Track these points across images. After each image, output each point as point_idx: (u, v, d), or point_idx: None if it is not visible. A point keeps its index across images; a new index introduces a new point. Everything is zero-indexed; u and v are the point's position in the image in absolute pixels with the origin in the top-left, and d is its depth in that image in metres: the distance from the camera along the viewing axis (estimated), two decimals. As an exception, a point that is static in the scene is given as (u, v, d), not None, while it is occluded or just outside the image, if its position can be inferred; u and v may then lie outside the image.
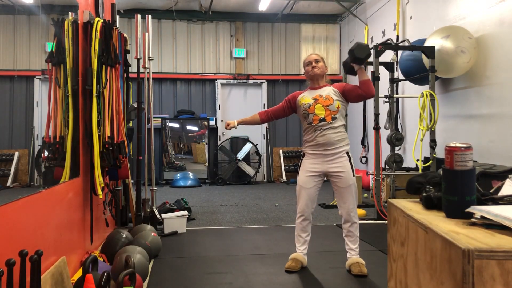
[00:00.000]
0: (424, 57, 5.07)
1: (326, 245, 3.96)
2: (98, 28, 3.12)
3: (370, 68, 5.59)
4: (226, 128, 3.39)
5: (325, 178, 3.25)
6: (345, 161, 3.14)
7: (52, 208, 2.54)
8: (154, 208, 4.55)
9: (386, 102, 5.92)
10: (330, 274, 3.18)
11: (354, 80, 3.37)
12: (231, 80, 9.35)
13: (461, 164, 1.36)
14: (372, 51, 5.24)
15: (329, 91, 3.17)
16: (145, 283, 2.93)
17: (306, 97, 3.21)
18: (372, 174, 5.29)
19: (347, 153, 3.17)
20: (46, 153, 2.77)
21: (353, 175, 3.17)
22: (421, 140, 4.87)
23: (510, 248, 1.08)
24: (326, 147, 3.11)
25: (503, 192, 1.54)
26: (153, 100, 5.94)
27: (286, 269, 3.22)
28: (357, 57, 3.04)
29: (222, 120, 9.29)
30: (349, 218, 3.15)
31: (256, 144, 9.03)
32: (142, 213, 4.36)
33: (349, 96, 3.16)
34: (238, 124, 3.38)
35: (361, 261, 3.16)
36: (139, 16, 4.61)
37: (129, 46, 4.24)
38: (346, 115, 3.27)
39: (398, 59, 5.80)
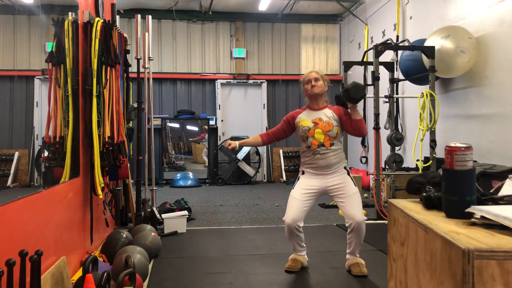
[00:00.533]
0: (424, 57, 5.07)
1: (326, 245, 3.96)
2: (98, 28, 3.11)
3: (370, 68, 5.59)
4: (227, 148, 3.39)
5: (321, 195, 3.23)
6: (343, 174, 3.13)
7: (52, 208, 2.54)
8: (154, 208, 4.55)
9: (386, 102, 5.92)
10: (330, 274, 3.18)
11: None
12: (231, 80, 9.35)
13: (461, 164, 1.36)
14: (372, 51, 5.24)
15: (329, 116, 3.14)
16: (145, 283, 2.93)
17: (305, 120, 3.18)
18: (372, 174, 5.29)
19: (345, 167, 3.17)
20: (46, 153, 2.77)
21: (355, 186, 3.13)
22: (421, 140, 4.87)
23: (510, 248, 1.08)
24: (325, 169, 3.11)
25: (503, 192, 1.54)
26: (153, 100, 5.93)
27: (286, 269, 3.22)
28: (352, 97, 3.04)
29: (222, 120, 9.29)
30: (358, 229, 3.05)
31: (256, 144, 9.02)
32: (142, 213, 4.36)
33: (343, 126, 3.16)
34: (239, 146, 3.38)
35: (360, 261, 3.16)
36: (139, 16, 4.61)
37: (129, 46, 4.24)
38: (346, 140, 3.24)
39: (398, 59, 5.80)
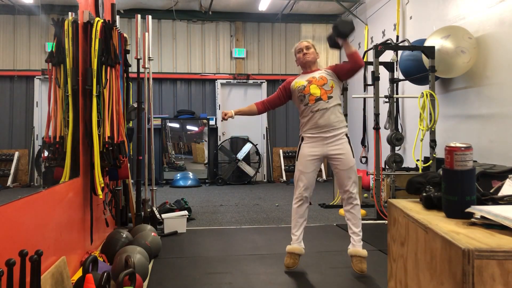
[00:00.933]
0: (424, 57, 5.07)
1: (326, 245, 3.96)
2: (98, 28, 3.11)
3: (370, 68, 5.59)
4: (223, 118, 3.41)
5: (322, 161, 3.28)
6: (345, 143, 3.15)
7: (52, 208, 2.54)
8: (154, 208, 4.55)
9: (386, 102, 5.92)
10: (330, 274, 3.18)
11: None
12: (231, 80, 9.35)
13: (461, 164, 1.36)
14: (372, 51, 5.24)
15: (321, 72, 3.22)
16: (145, 283, 2.93)
17: (299, 81, 3.25)
18: (372, 174, 5.29)
19: (346, 135, 3.19)
20: (46, 153, 2.77)
21: (353, 157, 3.18)
22: (421, 140, 4.87)
23: (510, 248, 1.08)
24: (325, 128, 3.12)
25: (503, 192, 1.54)
26: (153, 100, 5.93)
27: (286, 269, 3.22)
28: (341, 31, 3.05)
29: (222, 120, 9.28)
30: (350, 200, 3.16)
31: (256, 144, 9.03)
32: (142, 213, 4.36)
33: (340, 73, 3.20)
34: (235, 114, 3.46)
35: (363, 253, 3.14)
36: (139, 16, 4.61)
37: (129, 46, 4.24)
38: (346, 102, 3.27)
39: (398, 59, 5.80)
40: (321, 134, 3.14)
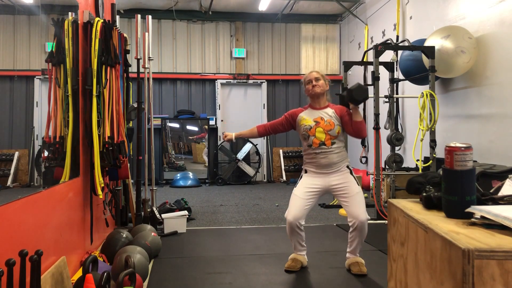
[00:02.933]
0: (424, 57, 5.07)
1: (326, 245, 3.96)
2: (98, 28, 3.11)
3: (370, 68, 5.59)
4: (223, 139, 3.41)
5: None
6: (346, 173, 3.14)
7: (52, 208, 2.54)
8: (154, 208, 4.55)
9: (386, 102, 5.92)
10: (330, 274, 3.18)
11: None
12: (231, 80, 9.35)
13: (461, 164, 1.36)
14: (372, 51, 5.24)
15: (330, 115, 3.14)
16: (145, 283, 2.93)
17: (307, 118, 3.19)
18: (372, 174, 5.29)
19: (348, 166, 3.17)
20: (46, 153, 2.78)
21: (358, 185, 3.14)
22: (421, 140, 4.87)
23: (510, 248, 1.08)
24: (327, 168, 3.11)
25: (503, 192, 1.54)
26: (153, 100, 5.95)
27: (286, 269, 3.22)
28: (354, 99, 3.04)
29: (222, 120, 9.29)
30: (361, 229, 3.06)
31: (256, 144, 9.03)
32: (142, 213, 4.36)
33: (344, 127, 3.16)
34: (235, 138, 3.44)
35: (360, 260, 3.16)
36: (139, 16, 4.61)
37: (129, 46, 4.24)
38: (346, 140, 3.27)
39: (398, 59, 5.80)
40: (323, 171, 3.13)
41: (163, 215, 4.47)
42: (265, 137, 9.42)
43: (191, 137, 9.22)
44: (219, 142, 9.13)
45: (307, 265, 3.29)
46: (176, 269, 3.31)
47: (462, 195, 1.37)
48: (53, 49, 2.74)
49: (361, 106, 7.03)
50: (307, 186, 3.14)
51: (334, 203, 6.04)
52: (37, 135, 2.79)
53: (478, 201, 1.41)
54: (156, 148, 8.64)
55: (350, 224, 3.09)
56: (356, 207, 3.05)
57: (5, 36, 2.38)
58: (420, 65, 5.19)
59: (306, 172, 3.23)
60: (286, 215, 3.14)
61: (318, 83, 3.17)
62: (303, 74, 3.36)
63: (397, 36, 6.72)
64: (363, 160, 7.04)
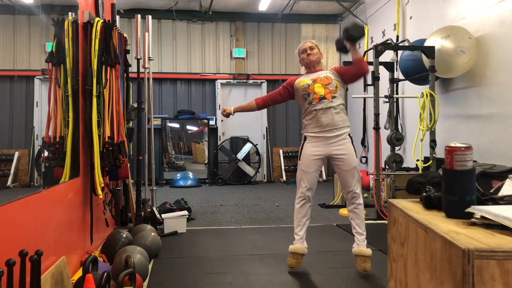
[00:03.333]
0: (424, 57, 5.07)
1: (326, 245, 3.96)
2: (98, 28, 3.11)
3: (370, 68, 5.59)
4: (222, 114, 3.42)
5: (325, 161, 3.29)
6: (348, 143, 3.16)
7: (52, 208, 2.54)
8: (154, 208, 4.55)
9: (386, 102, 5.92)
10: (330, 274, 3.18)
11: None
12: (231, 80, 9.35)
13: (461, 164, 1.36)
14: (372, 51, 5.24)
15: (326, 72, 3.23)
16: (145, 283, 2.93)
17: (304, 80, 3.26)
18: (372, 174, 5.29)
19: (349, 135, 3.19)
20: (46, 153, 2.77)
21: (356, 157, 3.19)
22: (421, 140, 4.87)
23: (510, 248, 1.08)
24: (328, 127, 3.12)
25: (503, 192, 1.54)
26: (153, 100, 5.95)
27: (289, 269, 3.22)
28: (351, 35, 3.07)
29: (222, 120, 9.28)
30: (354, 199, 3.17)
31: (256, 144, 9.03)
32: (142, 213, 4.36)
33: (345, 76, 3.21)
34: (234, 112, 3.44)
35: (367, 252, 3.14)
36: (139, 16, 4.61)
37: (129, 46, 4.24)
38: (346, 102, 3.29)
39: (398, 59, 5.80)
40: (324, 134, 3.14)
41: (163, 215, 4.47)
42: (265, 137, 9.43)
43: (189, 131, 9.20)
44: (219, 142, 9.13)
45: (307, 265, 3.29)
46: (176, 269, 3.31)
47: (462, 195, 1.37)
48: (53, 49, 2.74)
49: (360, 105, 7.04)
50: (310, 154, 3.17)
51: (334, 203, 6.04)
52: (37, 135, 2.79)
53: (478, 201, 1.41)
54: (156, 148, 8.64)
55: (344, 196, 3.22)
56: (349, 180, 3.15)
57: (5, 36, 2.38)
58: (420, 65, 5.19)
59: (305, 139, 3.24)
60: (299, 192, 3.21)
61: (312, 51, 3.26)
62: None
63: (397, 36, 6.72)
64: (363, 160, 7.04)
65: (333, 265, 3.37)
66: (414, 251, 1.44)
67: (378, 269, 3.18)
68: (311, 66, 3.29)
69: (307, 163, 3.19)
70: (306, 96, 3.18)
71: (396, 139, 5.59)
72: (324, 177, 9.04)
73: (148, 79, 4.72)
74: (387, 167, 5.66)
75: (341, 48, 3.20)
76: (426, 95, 4.85)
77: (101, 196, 3.08)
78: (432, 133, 4.93)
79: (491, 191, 1.59)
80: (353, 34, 3.06)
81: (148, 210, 4.42)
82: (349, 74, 3.20)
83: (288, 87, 3.35)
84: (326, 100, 3.11)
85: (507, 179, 1.59)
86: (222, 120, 9.29)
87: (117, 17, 4.18)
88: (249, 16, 9.28)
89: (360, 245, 3.17)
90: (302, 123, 3.32)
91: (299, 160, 3.26)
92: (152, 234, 3.57)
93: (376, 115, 5.05)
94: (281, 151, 9.41)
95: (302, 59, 3.32)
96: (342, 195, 5.94)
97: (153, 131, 5.11)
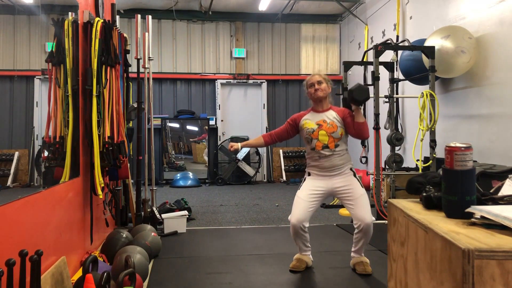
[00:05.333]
0: (424, 57, 5.07)
1: (326, 245, 3.96)
2: (98, 28, 3.11)
3: (370, 68, 5.59)
4: (229, 150, 3.40)
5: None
6: (349, 176, 3.13)
7: (52, 208, 2.54)
8: (154, 208, 4.55)
9: (386, 102, 5.91)
10: (330, 274, 3.18)
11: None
12: (231, 80, 9.35)
13: (461, 164, 1.36)
14: (372, 51, 5.24)
15: (333, 117, 3.14)
16: (145, 283, 2.93)
17: (309, 122, 3.18)
18: (372, 174, 5.29)
19: (351, 169, 3.17)
20: (46, 153, 2.77)
21: (362, 187, 3.14)
22: (421, 140, 4.87)
23: (510, 248, 1.08)
24: (330, 170, 3.11)
25: (503, 192, 1.54)
26: (153, 100, 5.95)
27: (290, 269, 3.22)
28: (355, 99, 3.05)
29: (222, 120, 9.28)
30: (367, 230, 3.06)
31: (256, 144, 9.02)
32: (142, 213, 4.36)
33: (346, 127, 3.16)
34: (242, 147, 3.41)
35: (365, 260, 3.17)
36: (139, 16, 4.61)
37: (129, 46, 4.24)
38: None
39: (398, 59, 5.80)
40: (326, 173, 3.13)
41: (163, 215, 4.47)
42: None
43: (192, 140, 9.21)
44: (219, 142, 9.13)
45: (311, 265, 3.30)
46: (176, 269, 3.31)
47: (462, 195, 1.37)
48: (53, 49, 2.74)
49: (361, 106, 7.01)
50: (311, 188, 3.14)
51: (334, 203, 6.04)
52: (37, 135, 2.79)
53: (478, 201, 1.41)
54: (156, 148, 8.64)
55: (355, 226, 3.08)
56: (361, 210, 3.04)
57: (5, 36, 2.38)
58: (420, 65, 5.19)
59: (309, 175, 3.22)
60: (290, 218, 3.13)
61: (320, 86, 3.16)
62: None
63: (397, 36, 6.72)
64: (363, 160, 7.04)
65: (333, 265, 3.37)
66: (414, 251, 1.44)
67: (378, 269, 3.18)
68: (318, 102, 3.20)
69: (305, 192, 3.14)
70: (309, 140, 3.15)
71: (396, 139, 5.59)
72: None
73: (148, 79, 4.72)
74: (387, 167, 5.65)
75: (347, 107, 3.22)
76: (426, 95, 4.85)
77: (101, 196, 3.08)
78: (432, 133, 4.92)
79: (491, 191, 1.59)
80: (358, 99, 3.04)
81: (148, 210, 4.42)
82: (349, 130, 3.14)
83: (294, 124, 3.29)
84: (328, 149, 3.09)
85: (507, 179, 1.59)
86: (222, 120, 9.30)
87: (117, 17, 4.18)
88: (249, 16, 9.28)
89: (358, 256, 3.19)
90: (306, 158, 3.28)
91: (299, 189, 3.21)
92: (152, 234, 3.57)
93: (376, 115, 5.05)
94: (281, 151, 9.40)
95: (309, 93, 3.23)
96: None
97: (153, 131, 5.11)
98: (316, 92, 3.16)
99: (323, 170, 3.13)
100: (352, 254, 3.22)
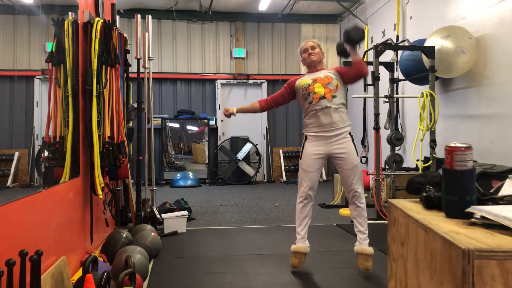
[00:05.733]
0: (424, 57, 5.07)
1: (326, 245, 3.96)
2: (98, 28, 3.11)
3: (370, 68, 5.59)
4: (224, 114, 3.41)
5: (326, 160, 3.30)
6: (348, 141, 3.16)
7: (52, 208, 2.54)
8: (154, 208, 4.55)
9: (386, 102, 5.92)
10: (330, 274, 3.18)
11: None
12: (231, 80, 9.35)
13: (461, 164, 1.36)
14: (372, 51, 5.24)
15: (327, 72, 3.23)
16: (145, 283, 2.93)
17: (304, 80, 3.26)
18: (372, 174, 5.29)
19: (350, 133, 3.19)
20: (46, 153, 2.78)
21: (357, 156, 3.20)
22: (421, 140, 4.87)
23: (510, 248, 1.08)
24: (328, 127, 3.13)
25: (503, 192, 1.54)
26: (153, 100, 5.93)
27: (291, 268, 3.22)
28: (351, 38, 3.09)
29: (222, 120, 9.28)
30: (355, 198, 3.17)
31: (256, 144, 9.03)
32: (142, 213, 4.36)
33: (344, 77, 3.22)
34: (237, 112, 3.41)
35: (369, 251, 3.14)
36: (139, 16, 4.61)
37: (129, 46, 4.24)
38: (347, 102, 3.29)
39: (398, 59, 5.80)
40: (324, 133, 3.15)
41: (163, 215, 4.47)
42: (265, 137, 9.43)
43: (190, 132, 9.20)
44: (219, 142, 9.13)
45: (307, 265, 3.29)
46: (176, 269, 3.31)
47: (462, 195, 1.37)
48: (53, 49, 2.74)
49: (360, 105, 7.04)
50: (311, 153, 3.18)
51: (334, 203, 6.04)
52: (37, 135, 2.79)
53: (478, 201, 1.41)
54: (156, 148, 8.64)
55: (346, 195, 3.23)
56: (351, 179, 3.15)
57: (5, 36, 2.38)
58: (420, 65, 5.19)
59: (306, 139, 3.25)
60: (300, 192, 3.21)
61: (314, 51, 3.26)
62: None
63: (397, 36, 6.72)
64: (363, 160, 7.04)
65: (333, 265, 3.37)
66: (414, 251, 1.44)
67: (378, 269, 3.17)
68: (312, 66, 3.29)
69: (308, 162, 3.20)
70: (306, 95, 3.18)
71: (396, 139, 5.59)
72: (324, 177, 9.04)
73: (148, 79, 4.72)
74: (387, 167, 5.65)
75: (342, 52, 3.23)
76: (426, 95, 4.85)
77: (101, 196, 3.08)
78: (432, 133, 4.92)
79: (491, 191, 1.59)
80: (353, 37, 3.08)
81: (148, 210, 4.42)
82: (348, 75, 3.21)
83: (290, 86, 3.35)
84: (326, 100, 3.11)
85: (507, 179, 1.59)
86: (222, 120, 9.29)
87: (117, 17, 4.18)
88: (249, 16, 9.28)
89: (362, 244, 3.18)
90: (303, 123, 3.32)
91: (300, 159, 3.26)
92: (152, 234, 3.57)
93: (376, 115, 5.05)
94: (281, 151, 9.41)
95: (303, 59, 3.33)
96: (342, 195, 5.94)
97: (153, 131, 5.11)
98: (310, 57, 3.25)
99: (321, 128, 3.14)
100: (357, 238, 3.21)
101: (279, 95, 3.41)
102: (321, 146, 3.16)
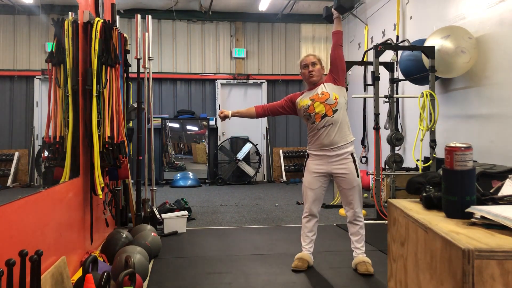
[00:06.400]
0: (424, 57, 5.07)
1: (326, 245, 3.96)
2: (98, 28, 3.11)
3: (370, 68, 5.59)
4: (219, 116, 3.41)
5: (330, 178, 3.28)
6: (349, 162, 3.15)
7: (52, 208, 2.54)
8: (154, 208, 4.55)
9: (386, 102, 5.92)
10: (330, 274, 3.18)
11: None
12: (231, 80, 9.35)
13: (461, 164, 1.36)
14: (372, 51, 5.24)
15: (322, 88, 3.19)
16: (145, 283, 2.93)
17: (304, 100, 3.23)
18: (372, 174, 5.29)
19: (352, 154, 3.17)
20: (46, 153, 2.78)
21: (358, 176, 3.17)
22: (421, 140, 4.87)
23: (510, 248, 1.08)
24: (329, 147, 3.13)
25: (503, 192, 1.54)
26: (153, 100, 5.93)
27: (293, 269, 3.22)
28: (341, 5, 3.13)
29: (222, 120, 9.27)
30: (354, 218, 3.18)
31: (256, 144, 9.03)
32: (142, 213, 4.36)
33: (334, 69, 3.24)
34: (232, 116, 3.41)
35: (367, 260, 3.17)
36: (139, 16, 4.61)
37: (129, 46, 4.24)
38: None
39: (398, 59, 5.80)
40: (325, 153, 3.15)
41: (163, 215, 4.47)
42: (265, 137, 9.43)
43: (189, 133, 9.20)
44: (219, 142, 9.13)
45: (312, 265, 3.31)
46: (176, 269, 3.31)
47: (462, 195, 1.37)
48: (53, 49, 2.74)
49: (360, 105, 7.04)
50: (312, 171, 3.20)
51: (334, 203, 6.04)
52: (37, 135, 2.79)
53: (478, 201, 1.41)
54: (156, 148, 8.64)
55: (345, 212, 3.25)
56: (350, 199, 3.17)
57: (5, 36, 2.38)
58: (420, 65, 5.19)
59: (308, 156, 3.28)
60: (305, 208, 3.25)
61: (314, 68, 3.22)
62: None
63: (397, 36, 6.72)
64: (363, 160, 7.04)
65: (333, 265, 3.37)
66: (414, 251, 1.44)
67: (378, 269, 3.17)
68: (311, 84, 3.25)
69: (310, 180, 3.22)
70: (308, 116, 3.18)
71: (396, 139, 5.59)
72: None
73: (148, 79, 4.72)
74: (387, 167, 5.65)
75: (328, 17, 3.31)
76: (426, 95, 4.85)
77: (101, 196, 3.08)
78: (432, 133, 4.92)
79: (491, 191, 1.59)
80: (343, 4, 3.13)
81: (148, 210, 4.42)
82: (332, 58, 3.25)
83: (289, 102, 3.33)
84: (328, 117, 3.10)
85: (507, 179, 1.59)
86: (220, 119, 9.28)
87: (117, 17, 4.18)
88: (249, 16, 9.28)
89: (359, 255, 3.21)
90: (307, 137, 3.31)
91: (303, 176, 3.29)
92: (152, 234, 3.57)
93: (376, 115, 5.05)
94: (281, 151, 9.40)
95: (303, 74, 3.27)
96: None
97: (153, 131, 5.11)
98: (311, 78, 3.22)
99: (322, 147, 3.14)
100: (353, 253, 3.23)
101: (278, 105, 3.38)
102: (323, 165, 3.17)
